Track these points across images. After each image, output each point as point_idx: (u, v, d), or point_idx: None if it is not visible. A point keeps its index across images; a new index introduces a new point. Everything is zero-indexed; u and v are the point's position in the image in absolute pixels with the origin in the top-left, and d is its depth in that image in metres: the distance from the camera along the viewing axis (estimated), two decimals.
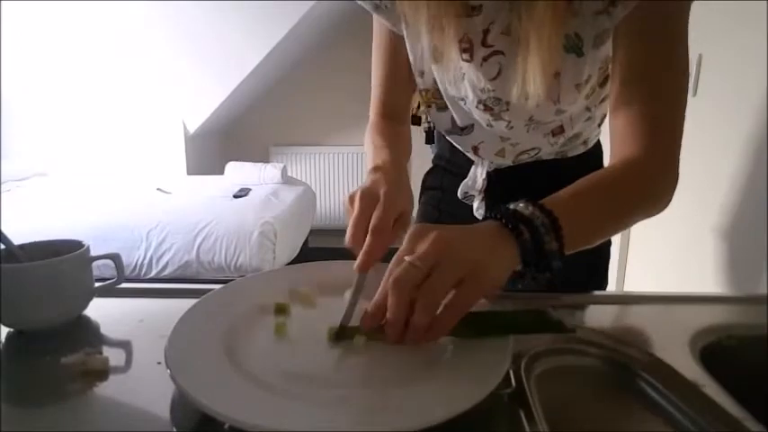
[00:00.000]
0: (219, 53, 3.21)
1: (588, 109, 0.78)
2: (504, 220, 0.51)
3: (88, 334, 0.60)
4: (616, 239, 1.85)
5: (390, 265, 0.48)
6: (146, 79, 3.38)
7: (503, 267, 0.50)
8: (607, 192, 0.59)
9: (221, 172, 3.44)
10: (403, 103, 0.87)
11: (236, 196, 3.06)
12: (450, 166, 0.96)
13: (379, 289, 0.49)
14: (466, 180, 0.90)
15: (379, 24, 0.83)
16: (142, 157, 3.63)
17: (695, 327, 0.58)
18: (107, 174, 3.58)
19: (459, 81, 0.75)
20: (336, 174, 4.10)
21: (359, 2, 0.80)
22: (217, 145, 4.05)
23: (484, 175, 0.88)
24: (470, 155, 0.89)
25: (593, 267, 0.91)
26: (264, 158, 3.98)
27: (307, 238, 3.40)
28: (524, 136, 0.79)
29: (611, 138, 0.65)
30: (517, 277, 0.52)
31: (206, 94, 3.38)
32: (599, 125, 0.86)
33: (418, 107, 3.59)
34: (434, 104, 0.84)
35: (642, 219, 0.63)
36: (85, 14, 3.11)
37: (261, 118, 4.09)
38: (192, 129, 3.57)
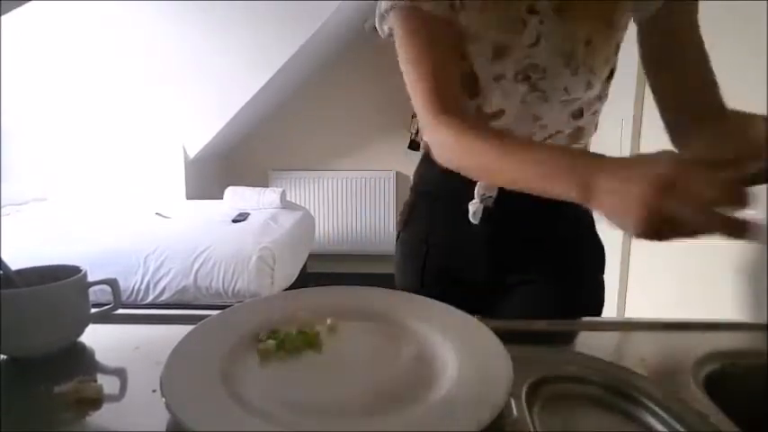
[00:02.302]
0: (221, 79, 3.24)
1: (599, 98, 0.82)
2: None
3: (83, 361, 0.59)
4: (615, 265, 1.85)
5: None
6: (147, 105, 3.41)
7: None
8: None
9: (220, 196, 3.44)
10: (461, 98, 0.79)
11: (234, 221, 3.06)
12: (442, 193, 0.90)
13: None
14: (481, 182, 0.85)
15: (422, 17, 0.74)
16: (142, 181, 3.63)
17: (698, 354, 0.58)
18: (106, 198, 3.58)
19: (501, 54, 0.77)
20: (336, 199, 4.10)
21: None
22: (216, 169, 4.07)
23: None
24: None
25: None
26: (264, 183, 3.99)
27: (305, 263, 3.38)
28: (556, 114, 0.81)
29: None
30: None
31: (207, 119, 3.41)
32: (595, 130, 0.89)
33: (417, 132, 3.63)
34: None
35: None
36: (85, 39, 3.14)
37: (261, 143, 4.12)
38: (192, 153, 3.59)
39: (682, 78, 0.74)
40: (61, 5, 2.93)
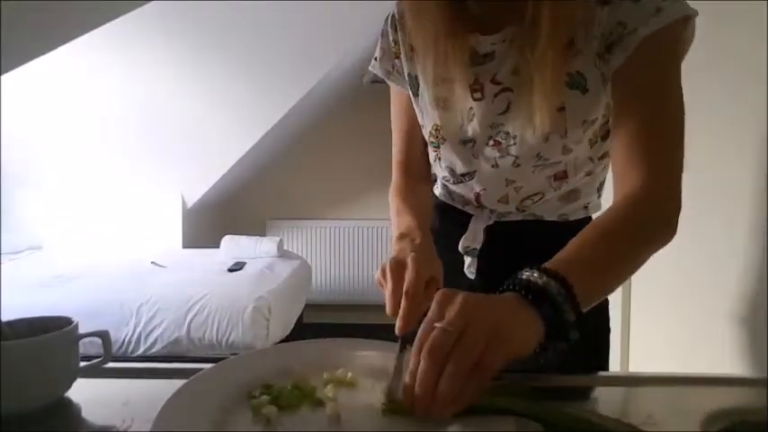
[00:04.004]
0: (219, 129, 3.30)
1: (591, 160, 0.80)
2: (523, 292, 0.52)
3: (69, 418, 0.57)
4: (617, 317, 1.82)
5: (420, 332, 0.49)
6: (146, 154, 3.44)
7: (528, 331, 0.51)
8: (611, 238, 0.61)
9: (217, 245, 3.43)
10: (421, 161, 0.91)
11: (230, 270, 3.03)
12: (439, 240, 0.94)
13: (412, 359, 0.49)
14: (466, 234, 0.89)
15: (395, 90, 0.89)
16: (140, 230, 3.63)
17: (707, 410, 0.56)
18: (103, 247, 3.56)
19: (467, 123, 0.78)
20: (333, 247, 4.10)
21: (371, 69, 0.88)
22: (214, 218, 4.07)
23: (483, 227, 0.87)
24: (469, 207, 0.89)
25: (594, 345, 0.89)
26: (261, 232, 3.99)
27: (302, 314, 3.33)
28: (530, 177, 0.80)
29: (612, 172, 0.68)
30: (540, 350, 0.53)
31: (205, 168, 3.45)
32: (598, 191, 0.88)
33: None
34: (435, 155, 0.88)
35: (651, 254, 0.63)
36: (84, 90, 3.17)
37: (258, 192, 4.15)
38: (190, 203, 3.61)
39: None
40: (60, 58, 2.99)
